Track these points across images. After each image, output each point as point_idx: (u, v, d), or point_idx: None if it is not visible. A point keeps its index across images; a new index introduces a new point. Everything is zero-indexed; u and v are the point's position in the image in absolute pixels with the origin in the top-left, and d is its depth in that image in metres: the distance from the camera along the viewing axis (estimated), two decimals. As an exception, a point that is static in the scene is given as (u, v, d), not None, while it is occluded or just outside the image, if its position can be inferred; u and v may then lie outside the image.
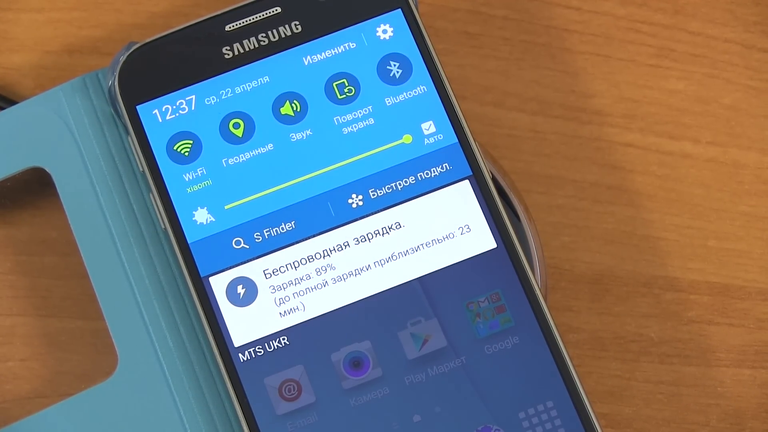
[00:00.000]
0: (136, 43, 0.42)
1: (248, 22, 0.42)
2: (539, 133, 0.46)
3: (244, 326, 0.40)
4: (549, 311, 0.40)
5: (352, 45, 0.42)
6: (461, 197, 0.41)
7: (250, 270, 0.40)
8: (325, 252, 0.40)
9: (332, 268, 0.40)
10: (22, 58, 0.46)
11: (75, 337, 0.44)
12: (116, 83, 0.41)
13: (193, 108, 0.41)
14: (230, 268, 0.40)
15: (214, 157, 0.41)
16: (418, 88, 0.42)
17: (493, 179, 0.41)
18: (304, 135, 0.41)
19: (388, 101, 0.41)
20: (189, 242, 0.40)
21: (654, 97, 0.46)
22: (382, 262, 0.40)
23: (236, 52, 0.41)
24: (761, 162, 0.46)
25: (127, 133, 0.41)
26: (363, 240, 0.40)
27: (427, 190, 0.41)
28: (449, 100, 0.41)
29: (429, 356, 0.40)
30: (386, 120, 0.41)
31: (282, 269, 0.40)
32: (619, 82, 0.47)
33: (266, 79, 0.41)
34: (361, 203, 0.41)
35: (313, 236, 0.40)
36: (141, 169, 0.41)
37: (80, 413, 0.40)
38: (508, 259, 0.40)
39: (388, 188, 0.41)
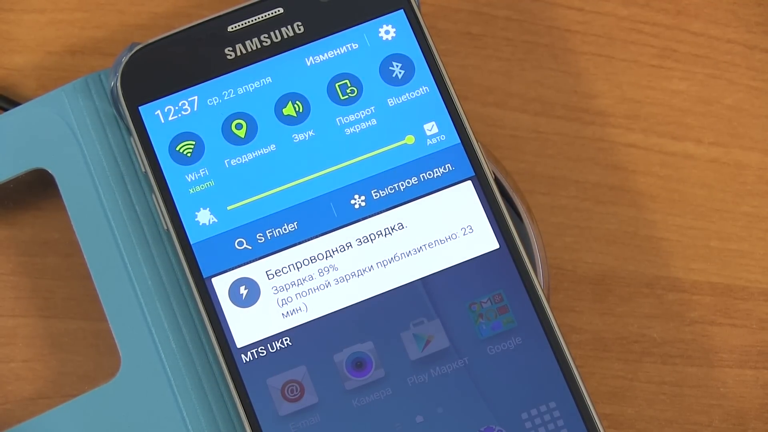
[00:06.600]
0: (139, 43, 0.42)
1: (251, 22, 0.42)
2: (542, 133, 0.46)
3: (246, 327, 0.40)
4: (551, 312, 0.40)
5: (355, 46, 0.42)
6: (464, 198, 0.41)
7: (253, 271, 0.40)
8: (327, 253, 0.40)
9: (335, 268, 0.40)
10: (24, 59, 0.46)
11: (77, 338, 0.44)
12: (118, 84, 0.41)
13: (195, 109, 0.41)
14: (233, 269, 0.40)
15: (217, 158, 0.41)
16: (421, 89, 0.42)
17: (496, 180, 0.41)
18: (307, 136, 0.41)
19: (391, 102, 0.41)
20: (191, 243, 0.40)
21: (656, 98, 0.46)
22: (385, 262, 0.40)
23: (239, 53, 0.41)
24: (763, 162, 0.46)
25: (130, 133, 0.41)
26: (365, 241, 0.40)
27: (430, 190, 0.41)
28: (452, 101, 0.41)
29: (431, 357, 0.40)
30: (389, 121, 0.41)
31: (284, 270, 0.40)
32: (622, 82, 0.47)
33: (269, 79, 0.41)
34: (363, 204, 0.41)
35: (316, 237, 0.40)
36: (143, 170, 0.41)
37: (83, 415, 0.40)
38: (511, 260, 0.40)
39: (391, 189, 0.41)
